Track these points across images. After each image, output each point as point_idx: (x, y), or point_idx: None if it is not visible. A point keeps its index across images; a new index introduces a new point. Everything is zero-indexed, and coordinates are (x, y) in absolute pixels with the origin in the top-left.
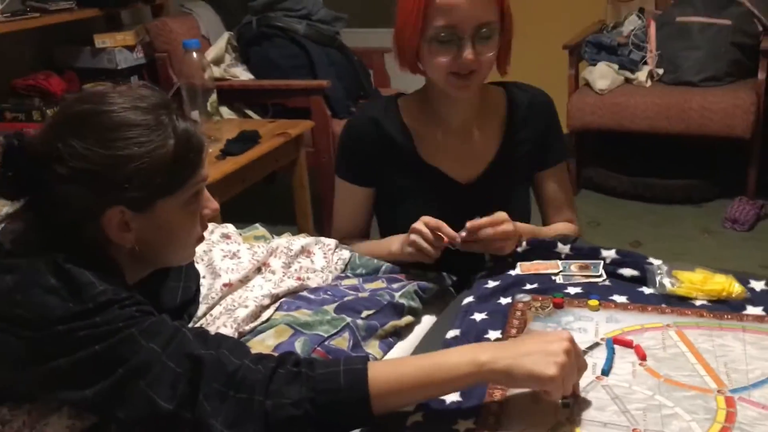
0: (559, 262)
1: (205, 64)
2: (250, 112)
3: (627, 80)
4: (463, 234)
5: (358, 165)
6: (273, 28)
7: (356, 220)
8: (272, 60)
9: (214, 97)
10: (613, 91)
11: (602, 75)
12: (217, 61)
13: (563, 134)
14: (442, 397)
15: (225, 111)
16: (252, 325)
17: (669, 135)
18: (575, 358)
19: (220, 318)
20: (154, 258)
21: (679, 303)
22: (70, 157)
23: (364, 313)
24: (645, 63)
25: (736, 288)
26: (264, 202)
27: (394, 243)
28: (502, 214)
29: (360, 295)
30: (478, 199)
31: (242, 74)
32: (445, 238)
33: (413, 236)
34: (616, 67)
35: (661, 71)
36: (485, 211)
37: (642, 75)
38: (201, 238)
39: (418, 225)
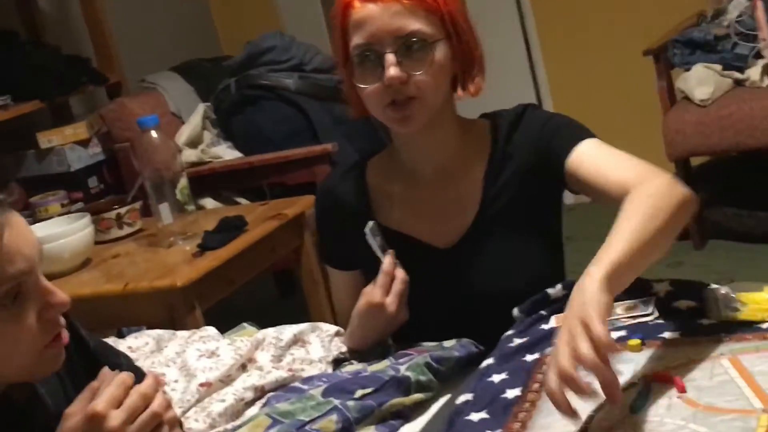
0: None
1: (173, 146)
2: (241, 200)
3: (737, 82)
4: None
5: (331, 246)
6: (257, 89)
7: (353, 306)
8: (260, 129)
9: (183, 182)
10: (718, 100)
11: (701, 81)
12: (194, 143)
13: (566, 120)
14: (489, 378)
15: (209, 202)
16: (233, 424)
17: None
18: None
19: (192, 415)
20: None
21: (740, 329)
22: None
23: (358, 393)
24: (758, 56)
25: None
26: (279, 318)
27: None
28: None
29: (359, 376)
30: (465, 264)
31: (226, 153)
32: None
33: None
34: (718, 67)
35: None
36: (475, 275)
37: (754, 72)
38: (54, 344)
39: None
